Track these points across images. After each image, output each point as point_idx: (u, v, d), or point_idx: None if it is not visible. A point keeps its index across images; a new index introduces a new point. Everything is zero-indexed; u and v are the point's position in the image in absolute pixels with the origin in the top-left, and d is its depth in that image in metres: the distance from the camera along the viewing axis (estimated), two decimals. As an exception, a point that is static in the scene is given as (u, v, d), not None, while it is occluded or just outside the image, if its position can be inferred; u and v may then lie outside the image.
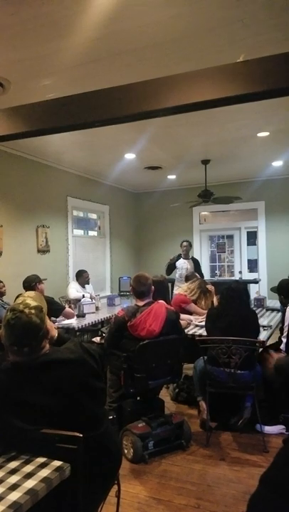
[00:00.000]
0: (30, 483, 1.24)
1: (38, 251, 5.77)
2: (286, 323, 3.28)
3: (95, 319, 4.59)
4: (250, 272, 8.41)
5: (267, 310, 5.00)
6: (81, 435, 1.37)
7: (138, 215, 8.83)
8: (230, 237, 8.76)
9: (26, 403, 1.46)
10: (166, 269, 6.51)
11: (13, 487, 1.22)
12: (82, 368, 1.58)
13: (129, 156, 5.82)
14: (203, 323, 3.57)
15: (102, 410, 1.79)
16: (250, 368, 3.04)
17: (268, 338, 3.57)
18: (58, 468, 1.32)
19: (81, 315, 4.62)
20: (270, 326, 3.95)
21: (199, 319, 4.06)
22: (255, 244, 8.21)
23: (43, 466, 1.34)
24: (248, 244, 8.45)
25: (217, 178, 7.17)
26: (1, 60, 2.92)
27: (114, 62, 2.96)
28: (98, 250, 7.58)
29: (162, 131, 4.70)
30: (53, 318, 3.90)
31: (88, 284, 5.84)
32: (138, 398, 3.16)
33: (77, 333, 4.35)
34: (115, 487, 1.79)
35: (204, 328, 3.53)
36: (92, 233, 7.61)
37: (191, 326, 3.93)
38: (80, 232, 7.14)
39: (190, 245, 6.68)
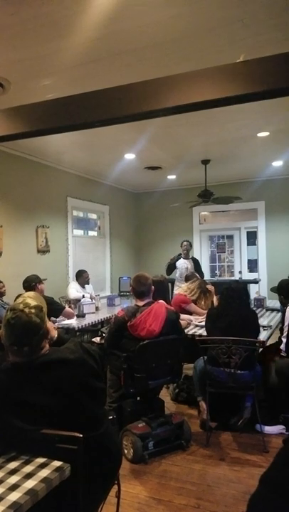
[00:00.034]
0: (30, 484, 1.24)
1: (38, 251, 5.77)
2: (286, 323, 3.28)
3: (95, 319, 4.59)
4: (250, 272, 8.41)
5: (267, 310, 5.00)
6: (81, 435, 1.37)
7: (138, 215, 8.83)
8: (230, 237, 8.76)
9: (26, 403, 1.46)
10: (167, 269, 6.52)
11: (13, 487, 1.22)
12: (82, 368, 1.58)
13: (129, 156, 5.82)
14: (203, 323, 3.57)
15: (102, 410, 1.79)
16: (250, 368, 3.04)
17: (268, 338, 3.57)
18: (57, 469, 1.33)
19: (81, 315, 4.62)
20: (270, 326, 3.95)
21: (199, 319, 4.06)
22: (255, 245, 8.21)
23: (43, 466, 1.34)
24: (248, 245, 8.45)
25: (217, 178, 7.16)
26: (1, 60, 2.92)
27: (114, 62, 2.96)
28: (98, 250, 7.58)
29: (162, 131, 4.70)
30: (52, 318, 3.90)
31: (88, 284, 5.84)
32: (138, 398, 3.16)
33: (77, 333, 4.34)
34: (115, 487, 1.79)
35: (204, 328, 3.53)
36: (92, 233, 7.61)
37: (191, 326, 3.93)
38: (80, 232, 7.14)
39: (190, 245, 6.70)
